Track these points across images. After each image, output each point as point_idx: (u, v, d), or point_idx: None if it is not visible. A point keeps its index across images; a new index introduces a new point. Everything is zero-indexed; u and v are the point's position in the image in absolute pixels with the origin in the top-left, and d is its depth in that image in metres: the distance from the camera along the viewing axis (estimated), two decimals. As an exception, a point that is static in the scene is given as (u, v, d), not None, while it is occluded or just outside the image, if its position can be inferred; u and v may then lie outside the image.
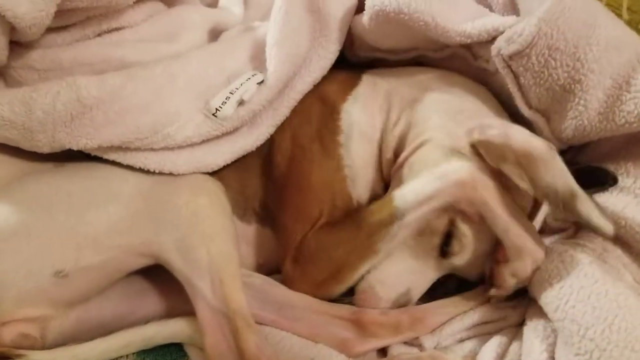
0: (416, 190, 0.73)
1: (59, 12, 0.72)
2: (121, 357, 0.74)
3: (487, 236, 0.75)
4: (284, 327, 0.78)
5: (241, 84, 0.79)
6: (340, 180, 0.81)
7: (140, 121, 0.74)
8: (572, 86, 0.73)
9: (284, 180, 0.82)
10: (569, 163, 0.68)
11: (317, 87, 0.85)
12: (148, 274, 0.78)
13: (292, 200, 0.81)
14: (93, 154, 0.75)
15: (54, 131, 0.72)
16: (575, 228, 0.80)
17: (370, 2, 0.80)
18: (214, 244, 0.73)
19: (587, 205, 0.66)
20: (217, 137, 0.80)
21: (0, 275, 0.69)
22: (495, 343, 0.74)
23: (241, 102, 0.78)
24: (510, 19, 0.76)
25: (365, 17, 0.81)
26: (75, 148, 0.73)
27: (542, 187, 0.67)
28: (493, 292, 0.76)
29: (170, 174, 0.77)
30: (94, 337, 0.73)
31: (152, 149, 0.77)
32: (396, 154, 0.82)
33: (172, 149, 0.78)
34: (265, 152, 0.85)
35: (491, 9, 0.84)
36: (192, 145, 0.79)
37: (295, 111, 0.84)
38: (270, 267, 0.86)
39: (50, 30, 0.75)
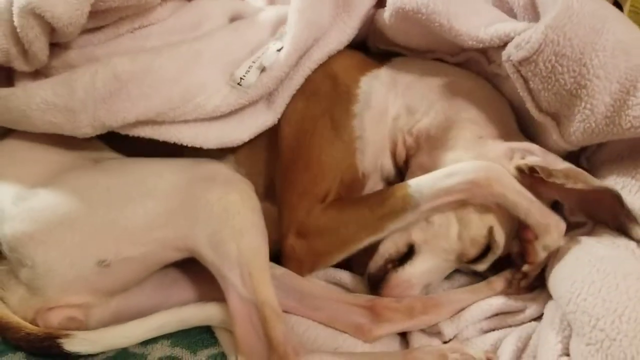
0: (432, 184, 0.79)
1: (93, 14, 0.77)
2: (157, 342, 0.79)
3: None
4: (304, 314, 0.82)
5: (263, 53, 0.84)
6: (350, 154, 0.85)
7: (172, 92, 0.79)
8: (579, 91, 0.75)
9: (291, 159, 0.86)
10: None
11: (329, 65, 0.89)
12: (181, 264, 0.82)
13: (299, 175, 0.84)
14: (131, 133, 0.80)
15: (95, 109, 0.76)
16: (593, 223, 0.82)
17: (389, 2, 0.84)
18: (243, 239, 0.77)
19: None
20: (242, 111, 0.84)
21: (46, 264, 0.74)
22: (515, 337, 0.77)
23: (263, 69, 0.82)
24: (523, 24, 0.78)
25: (386, 13, 0.86)
26: (114, 124, 0.77)
27: (596, 186, 0.75)
28: (526, 268, 0.80)
29: (207, 162, 0.83)
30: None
31: (185, 121, 0.81)
32: (416, 142, 0.88)
33: (203, 120, 0.82)
34: (272, 129, 0.88)
35: (512, 12, 0.87)
36: (220, 118, 0.83)
37: (303, 88, 0.87)
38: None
39: (85, 31, 0.80)
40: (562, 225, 0.78)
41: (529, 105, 0.81)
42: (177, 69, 0.80)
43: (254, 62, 0.83)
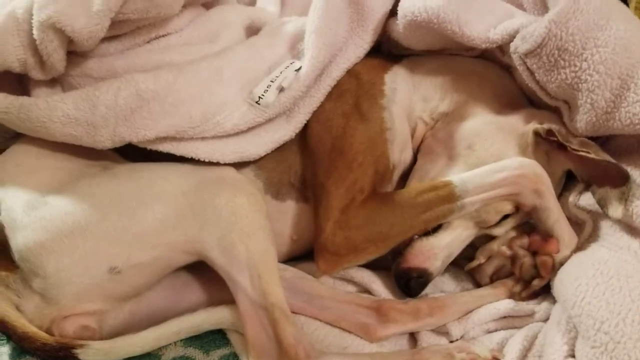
0: (478, 179, 0.81)
1: (112, 24, 0.78)
2: (170, 344, 0.81)
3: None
4: (312, 314, 0.85)
5: (280, 72, 0.85)
6: (382, 143, 0.87)
7: (192, 111, 0.81)
8: (580, 85, 0.77)
9: (324, 151, 0.87)
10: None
11: (351, 68, 0.91)
12: (191, 266, 0.83)
13: (335, 167, 0.85)
14: (149, 147, 0.82)
15: (115, 125, 0.78)
16: (593, 224, 0.82)
17: (402, 13, 0.87)
18: (251, 242, 0.77)
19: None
20: (259, 127, 0.86)
21: (59, 273, 0.74)
22: (521, 336, 0.78)
23: (281, 89, 0.84)
24: (530, 19, 0.80)
25: (399, 26, 0.88)
26: (134, 140, 0.80)
27: (602, 157, 0.77)
28: (537, 283, 0.82)
29: (215, 167, 0.84)
30: (146, 327, 0.79)
31: (203, 138, 0.83)
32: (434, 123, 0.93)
33: (220, 137, 0.84)
34: (302, 131, 0.90)
35: (522, 5, 0.88)
36: (238, 134, 0.85)
37: (329, 92, 0.90)
38: (304, 243, 0.92)
39: (103, 39, 0.81)
40: (577, 241, 0.81)
41: (540, 94, 0.83)
42: (198, 88, 0.82)
43: (272, 81, 0.85)
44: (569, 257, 0.80)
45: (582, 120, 0.79)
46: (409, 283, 0.83)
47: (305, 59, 0.85)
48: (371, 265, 0.89)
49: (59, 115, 0.76)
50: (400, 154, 0.91)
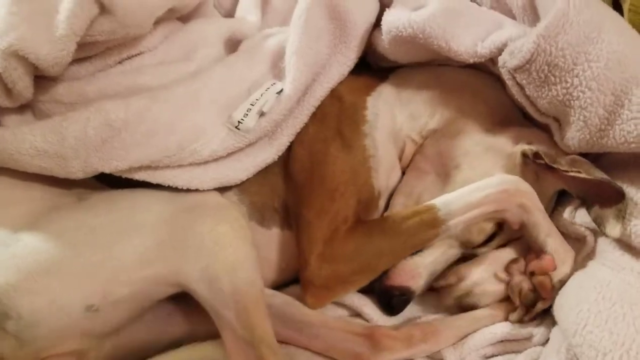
0: (460, 200, 0.78)
1: (80, 46, 0.74)
2: None
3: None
4: (302, 344, 0.82)
5: (261, 95, 0.81)
6: (365, 172, 0.84)
7: (167, 140, 0.77)
8: (571, 102, 0.74)
9: (306, 178, 0.84)
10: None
11: (334, 87, 0.88)
12: (175, 297, 0.79)
13: (317, 196, 0.82)
14: (124, 175, 0.78)
15: (86, 156, 0.74)
16: (594, 238, 0.79)
17: (386, 28, 0.84)
18: (236, 273, 0.74)
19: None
20: (240, 151, 0.83)
21: (34, 314, 0.70)
22: None
23: (262, 114, 0.81)
24: (518, 30, 0.76)
25: (384, 41, 0.85)
26: (107, 171, 0.76)
27: (596, 176, 0.74)
28: (541, 306, 0.79)
29: (196, 193, 0.81)
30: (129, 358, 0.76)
31: (180, 166, 0.79)
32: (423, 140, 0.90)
33: (198, 164, 0.80)
34: (285, 152, 0.87)
35: (512, 13, 0.85)
36: (217, 160, 0.81)
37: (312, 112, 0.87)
38: (293, 270, 0.88)
39: (73, 62, 0.77)
40: (573, 253, 0.79)
41: (529, 110, 0.81)
42: (173, 115, 0.78)
43: (252, 104, 0.81)
44: (569, 274, 0.77)
45: (575, 138, 0.76)
46: (391, 301, 0.82)
47: (286, 81, 0.82)
48: (361, 288, 0.86)
49: (27, 147, 0.72)
50: (386, 179, 0.87)
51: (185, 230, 0.74)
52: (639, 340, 0.61)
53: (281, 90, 0.81)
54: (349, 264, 0.78)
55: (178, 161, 0.78)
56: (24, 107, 0.79)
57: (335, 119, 0.86)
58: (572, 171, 0.75)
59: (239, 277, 0.73)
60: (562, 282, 0.77)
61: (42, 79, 0.77)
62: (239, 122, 0.80)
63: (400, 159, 0.91)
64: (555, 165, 0.76)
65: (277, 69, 0.86)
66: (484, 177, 0.80)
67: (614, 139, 0.72)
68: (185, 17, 0.94)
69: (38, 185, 0.79)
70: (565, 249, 0.79)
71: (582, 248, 0.79)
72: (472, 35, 0.79)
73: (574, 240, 0.81)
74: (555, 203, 0.86)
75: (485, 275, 0.82)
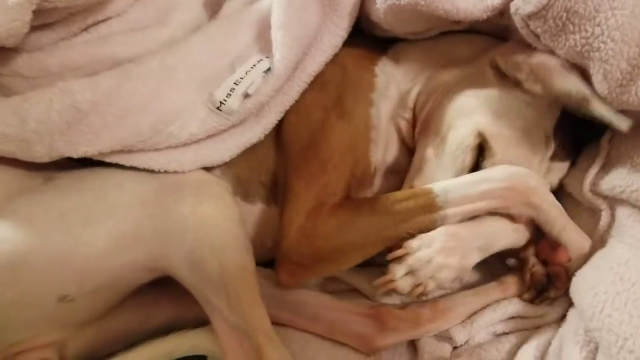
0: (460, 189, 0.72)
1: (40, 12, 0.67)
2: None
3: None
4: (301, 326, 0.78)
5: (246, 73, 0.73)
6: (364, 143, 0.78)
7: (140, 123, 0.71)
8: (591, 54, 0.66)
9: (299, 147, 0.78)
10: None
11: (335, 55, 0.81)
12: (163, 279, 0.74)
13: (308, 166, 0.76)
14: (96, 158, 0.72)
15: (51, 141, 0.68)
16: (611, 212, 0.73)
17: None
18: (224, 256, 0.69)
19: (599, 105, 0.67)
20: (223, 132, 0.76)
21: (4, 308, 0.66)
22: (533, 346, 0.72)
23: (247, 95, 0.74)
24: None
25: (379, 10, 0.77)
26: (75, 156, 0.70)
27: (555, 91, 0.69)
28: (554, 294, 0.76)
29: (175, 172, 0.75)
30: (114, 349, 0.73)
31: (156, 149, 0.73)
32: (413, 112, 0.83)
33: (176, 147, 0.74)
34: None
35: None
36: (197, 142, 0.75)
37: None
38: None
39: (34, 29, 0.70)
40: (590, 245, 0.73)
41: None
42: (147, 94, 0.71)
43: (236, 83, 0.73)
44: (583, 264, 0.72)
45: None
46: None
47: (274, 59, 0.74)
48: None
49: None
50: (383, 154, 0.81)
51: (165, 212, 0.69)
52: None
53: (269, 69, 0.74)
54: (331, 241, 0.72)
55: (153, 145, 0.72)
56: None
57: (338, 86, 0.80)
58: (527, 82, 0.71)
59: (227, 259, 0.69)
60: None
61: (2, 51, 0.70)
62: (221, 102, 0.73)
63: (402, 141, 0.85)
64: (510, 73, 0.72)
65: (263, 40, 0.77)
66: (465, 111, 0.75)
67: (636, 95, 0.65)
68: None
69: (2, 167, 0.73)
70: (581, 241, 0.73)
71: (596, 224, 0.74)
72: None
73: (589, 211, 0.75)
74: (575, 165, 0.79)
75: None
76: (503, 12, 0.73)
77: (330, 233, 0.72)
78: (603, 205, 0.73)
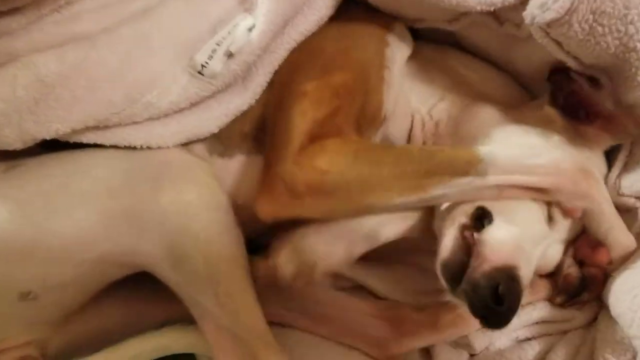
0: (512, 155, 0.65)
1: None
2: None
3: None
4: (306, 327, 0.75)
5: (229, 33, 0.69)
6: (378, 78, 0.72)
7: (111, 93, 0.67)
8: (627, 55, 0.62)
9: (305, 76, 0.71)
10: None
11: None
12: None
13: (319, 89, 0.69)
14: (71, 140, 0.68)
15: (20, 120, 0.65)
16: None
17: None
18: (210, 250, 0.64)
19: None
20: (208, 99, 0.72)
21: None
22: (560, 354, 0.70)
23: (230, 55, 0.69)
24: None
25: None
26: (48, 137, 0.66)
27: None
28: (587, 298, 0.71)
29: (151, 153, 0.70)
30: (102, 345, 0.69)
31: (135, 122, 0.69)
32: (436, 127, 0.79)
33: (158, 118, 0.70)
34: None
35: None
36: (180, 111, 0.71)
37: None
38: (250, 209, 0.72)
39: (3, 14, 0.67)
40: (634, 247, 0.68)
41: (572, 64, 0.68)
42: (118, 62, 0.67)
43: (218, 44, 0.69)
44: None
45: (631, 96, 0.66)
46: (498, 290, 0.58)
47: (259, 13, 0.70)
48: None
49: None
50: (393, 107, 0.75)
51: (140, 201, 0.64)
52: None
53: (253, 26, 0.69)
54: (339, 177, 0.64)
55: (130, 117, 0.68)
56: None
57: (349, 29, 0.75)
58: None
59: (214, 254, 0.64)
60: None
61: None
62: (202, 65, 0.68)
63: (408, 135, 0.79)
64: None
65: (247, 2, 0.73)
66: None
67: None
68: None
69: None
70: (626, 243, 0.67)
71: (633, 222, 0.70)
72: None
73: (623, 212, 0.71)
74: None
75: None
76: (500, 19, 0.71)
77: (343, 166, 0.64)
78: (638, 203, 0.70)
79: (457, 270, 0.60)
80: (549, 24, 0.63)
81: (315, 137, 0.66)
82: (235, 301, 0.64)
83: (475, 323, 0.65)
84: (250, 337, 0.63)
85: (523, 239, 0.63)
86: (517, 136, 0.71)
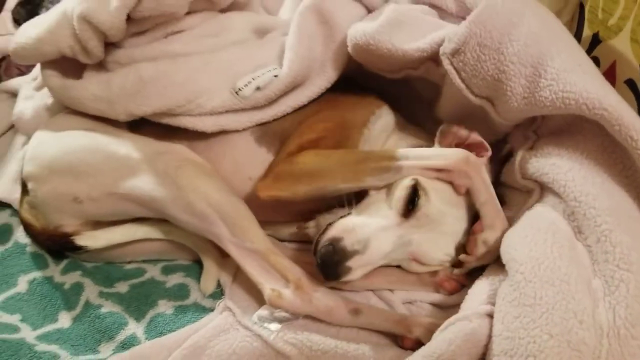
0: (418, 151, 0.93)
1: (135, 21, 1.02)
2: (174, 272, 1.05)
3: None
4: None
5: (263, 74, 1.04)
6: (360, 130, 1.02)
7: (179, 94, 1.02)
8: (499, 75, 0.88)
9: (313, 117, 1.05)
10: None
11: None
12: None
13: (313, 125, 1.02)
14: (152, 119, 1.06)
15: (126, 102, 1.03)
16: (540, 190, 0.90)
17: (348, 39, 1.04)
18: (210, 198, 0.93)
19: None
20: (237, 110, 1.05)
21: (43, 195, 1.00)
22: None
23: (258, 88, 1.03)
24: (453, 26, 0.93)
25: (350, 50, 1.05)
26: (139, 114, 1.04)
27: None
28: (463, 258, 0.91)
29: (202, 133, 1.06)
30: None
31: (189, 115, 1.05)
32: None
33: (203, 115, 1.04)
34: None
35: (450, 17, 1.04)
36: (217, 114, 1.05)
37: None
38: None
39: (133, 35, 1.05)
40: (506, 227, 0.88)
41: (465, 92, 0.94)
42: (185, 76, 1.04)
43: (253, 78, 1.04)
44: (496, 238, 0.88)
45: (506, 108, 0.90)
46: (320, 250, 0.87)
47: (284, 69, 1.04)
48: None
49: (89, 95, 1.04)
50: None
51: (155, 168, 0.96)
52: (551, 259, 0.74)
53: (277, 76, 1.03)
54: (306, 165, 0.94)
55: (187, 111, 1.04)
56: (100, 66, 1.08)
57: (347, 101, 1.09)
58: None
59: (214, 200, 0.93)
60: (487, 243, 0.88)
61: (111, 47, 1.07)
62: (239, 89, 1.03)
63: None
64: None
65: (282, 59, 1.07)
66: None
67: (535, 104, 0.86)
68: (225, 11, 1.19)
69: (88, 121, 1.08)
70: (495, 217, 0.89)
71: (528, 199, 0.92)
72: (415, 37, 0.97)
73: (524, 192, 0.94)
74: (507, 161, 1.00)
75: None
76: (438, 63, 0.94)
77: (308, 159, 0.94)
78: (534, 186, 0.90)
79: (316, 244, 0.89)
80: (452, 54, 0.89)
81: (301, 149, 0.98)
82: (244, 229, 0.91)
83: None
84: (266, 252, 0.90)
85: (356, 224, 0.88)
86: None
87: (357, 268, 0.86)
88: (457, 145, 0.94)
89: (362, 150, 1.00)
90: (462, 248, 0.93)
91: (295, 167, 0.95)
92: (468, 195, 0.91)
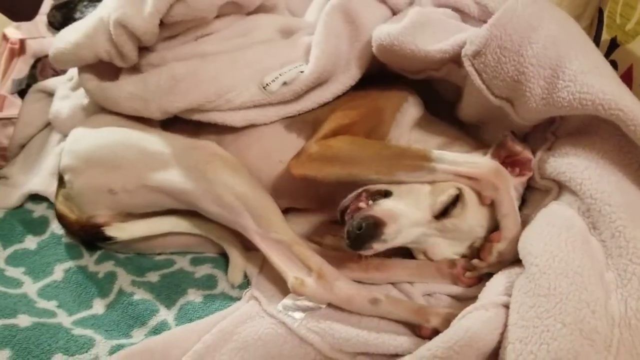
0: (453, 155, 0.96)
1: (167, 26, 1.07)
2: (203, 264, 1.08)
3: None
4: None
5: (289, 70, 1.09)
6: (392, 115, 1.06)
7: (209, 89, 1.08)
8: (519, 77, 0.91)
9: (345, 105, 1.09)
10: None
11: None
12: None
13: (348, 111, 1.06)
14: (184, 116, 1.11)
15: (160, 100, 1.08)
16: (558, 189, 0.92)
17: (373, 40, 1.08)
18: (237, 190, 0.97)
19: None
20: (265, 105, 1.10)
21: (80, 187, 1.06)
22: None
23: (284, 83, 1.08)
24: (475, 29, 0.96)
25: (373, 49, 1.09)
26: (173, 111, 1.09)
27: None
28: (476, 262, 0.94)
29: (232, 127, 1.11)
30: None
31: (219, 110, 1.09)
32: None
33: (233, 110, 1.09)
34: None
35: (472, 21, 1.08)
36: (246, 108, 1.10)
37: None
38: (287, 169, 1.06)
39: (165, 39, 1.11)
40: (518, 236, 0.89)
41: (485, 93, 0.97)
42: (215, 73, 1.09)
43: (280, 74, 1.08)
44: (509, 252, 0.90)
45: (525, 109, 0.93)
46: (360, 222, 0.88)
47: (310, 66, 1.09)
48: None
49: (125, 94, 1.10)
50: (396, 139, 1.08)
51: (186, 163, 1.00)
52: (565, 252, 0.76)
53: (302, 72, 1.08)
54: (338, 150, 0.97)
55: (217, 107, 1.09)
56: (134, 69, 1.14)
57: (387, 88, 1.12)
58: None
59: (240, 193, 0.97)
60: (501, 255, 0.91)
61: (144, 50, 1.12)
62: (267, 84, 1.09)
63: None
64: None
65: (308, 56, 1.12)
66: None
67: (553, 105, 0.89)
68: (250, 13, 1.24)
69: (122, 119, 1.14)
70: (515, 231, 0.90)
71: (545, 197, 0.94)
72: (438, 38, 1.00)
73: (543, 192, 0.96)
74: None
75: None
76: (460, 65, 0.97)
77: (344, 145, 0.98)
78: (553, 185, 0.92)
79: (344, 210, 0.93)
80: (474, 56, 0.93)
81: (335, 133, 1.03)
82: (268, 220, 0.95)
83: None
84: (290, 243, 0.94)
85: (401, 213, 0.90)
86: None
87: (377, 249, 0.90)
88: (507, 158, 0.98)
89: (398, 145, 1.03)
90: (474, 248, 0.96)
91: (329, 150, 0.98)
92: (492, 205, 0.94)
